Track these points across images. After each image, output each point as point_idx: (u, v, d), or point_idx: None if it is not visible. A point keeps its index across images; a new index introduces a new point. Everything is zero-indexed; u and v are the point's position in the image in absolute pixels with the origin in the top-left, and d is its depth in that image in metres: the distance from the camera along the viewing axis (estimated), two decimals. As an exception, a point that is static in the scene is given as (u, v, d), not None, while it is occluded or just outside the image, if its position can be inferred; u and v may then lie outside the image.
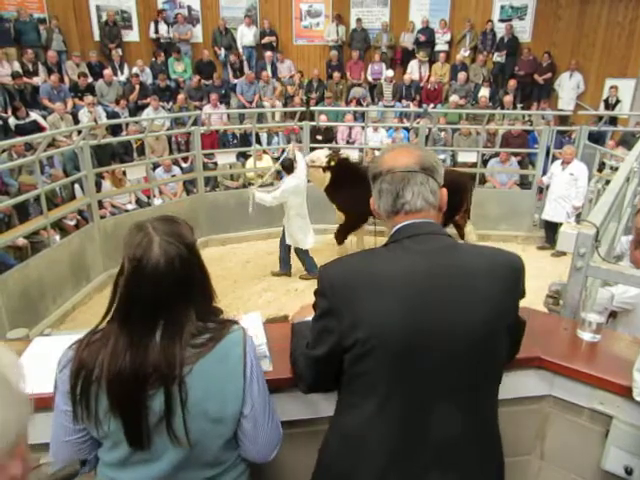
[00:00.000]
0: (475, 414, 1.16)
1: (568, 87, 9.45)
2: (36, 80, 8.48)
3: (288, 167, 5.27)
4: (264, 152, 7.58)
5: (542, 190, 6.78)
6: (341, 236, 5.93)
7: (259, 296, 5.32)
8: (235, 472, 1.23)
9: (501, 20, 9.83)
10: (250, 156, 7.25)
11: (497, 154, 7.32)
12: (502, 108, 8.89)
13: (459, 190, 5.98)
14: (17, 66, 8.46)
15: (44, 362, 1.41)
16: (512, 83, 9.33)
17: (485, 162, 7.49)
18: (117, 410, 1.07)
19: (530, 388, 1.56)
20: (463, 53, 9.76)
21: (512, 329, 1.20)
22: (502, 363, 1.22)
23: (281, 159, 5.50)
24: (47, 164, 6.42)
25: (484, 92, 9.26)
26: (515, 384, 1.53)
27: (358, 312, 1.10)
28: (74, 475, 0.76)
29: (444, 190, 1.25)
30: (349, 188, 5.36)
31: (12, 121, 7.44)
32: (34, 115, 7.69)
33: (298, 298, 5.08)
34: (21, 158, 5.68)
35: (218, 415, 1.13)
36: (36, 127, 7.41)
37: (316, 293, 1.19)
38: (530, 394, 1.58)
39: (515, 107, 9.18)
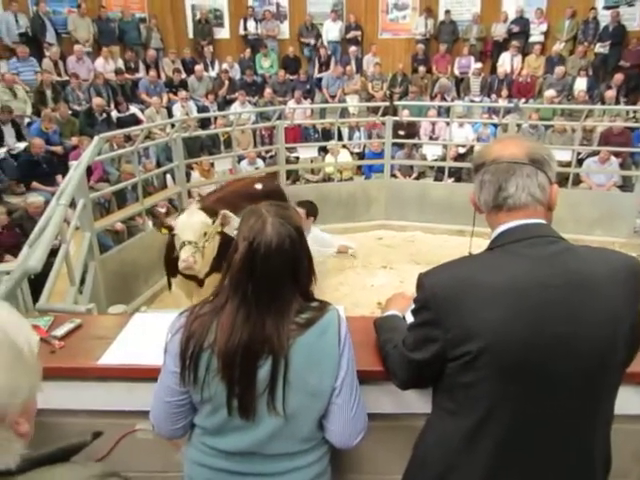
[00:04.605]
0: (584, 441, 1.07)
1: (682, 80, 8.55)
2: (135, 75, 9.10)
3: None
4: (343, 147, 7.59)
5: (646, 193, 6.19)
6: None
7: (334, 289, 5.34)
8: (320, 451, 1.28)
9: (606, 7, 9.05)
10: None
11: (595, 153, 6.77)
12: (602, 103, 8.21)
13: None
14: (120, 63, 9.12)
15: (145, 336, 1.52)
16: (618, 77, 8.46)
17: (580, 162, 6.96)
18: (228, 379, 1.15)
19: (630, 406, 1.43)
20: (559, 45, 9.11)
21: (632, 340, 1.09)
22: (619, 380, 1.11)
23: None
24: (143, 155, 6.88)
25: (581, 84, 8.58)
26: (613, 400, 1.41)
27: (469, 324, 1.03)
28: (82, 447, 0.81)
29: (555, 186, 1.14)
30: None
31: (114, 114, 8.04)
32: (133, 109, 8.27)
33: (374, 294, 5.04)
34: (121, 149, 6.12)
35: (317, 388, 1.18)
36: (134, 120, 7.96)
37: (416, 301, 1.15)
38: (629, 412, 1.45)
39: (618, 102, 8.43)
